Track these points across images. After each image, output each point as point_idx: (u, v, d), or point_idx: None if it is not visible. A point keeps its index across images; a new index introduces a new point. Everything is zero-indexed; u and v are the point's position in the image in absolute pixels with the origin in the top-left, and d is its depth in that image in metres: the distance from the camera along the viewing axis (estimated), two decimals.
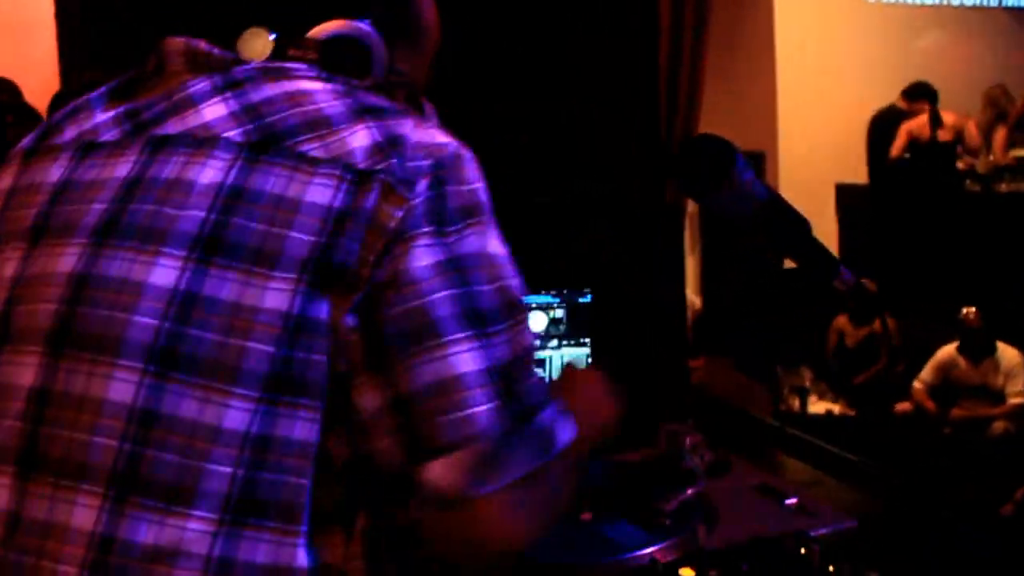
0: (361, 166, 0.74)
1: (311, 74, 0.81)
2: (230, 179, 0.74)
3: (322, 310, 0.70)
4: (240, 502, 0.69)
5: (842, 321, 5.69)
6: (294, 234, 0.71)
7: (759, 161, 5.12)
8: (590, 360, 2.13)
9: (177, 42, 0.85)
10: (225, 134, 0.77)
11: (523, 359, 0.74)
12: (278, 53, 0.84)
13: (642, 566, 1.23)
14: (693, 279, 5.33)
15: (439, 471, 0.69)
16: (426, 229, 0.72)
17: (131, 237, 0.73)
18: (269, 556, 0.69)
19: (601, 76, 3.10)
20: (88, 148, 0.81)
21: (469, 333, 0.71)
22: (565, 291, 2.17)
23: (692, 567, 1.21)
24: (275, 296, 0.70)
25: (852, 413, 5.38)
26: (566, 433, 0.75)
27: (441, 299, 0.71)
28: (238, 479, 0.68)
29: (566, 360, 2.10)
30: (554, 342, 2.13)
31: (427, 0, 0.96)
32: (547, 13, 3.23)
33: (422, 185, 0.73)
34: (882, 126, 6.27)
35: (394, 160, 0.74)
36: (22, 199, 0.80)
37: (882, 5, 5.92)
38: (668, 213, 3.36)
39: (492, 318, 0.73)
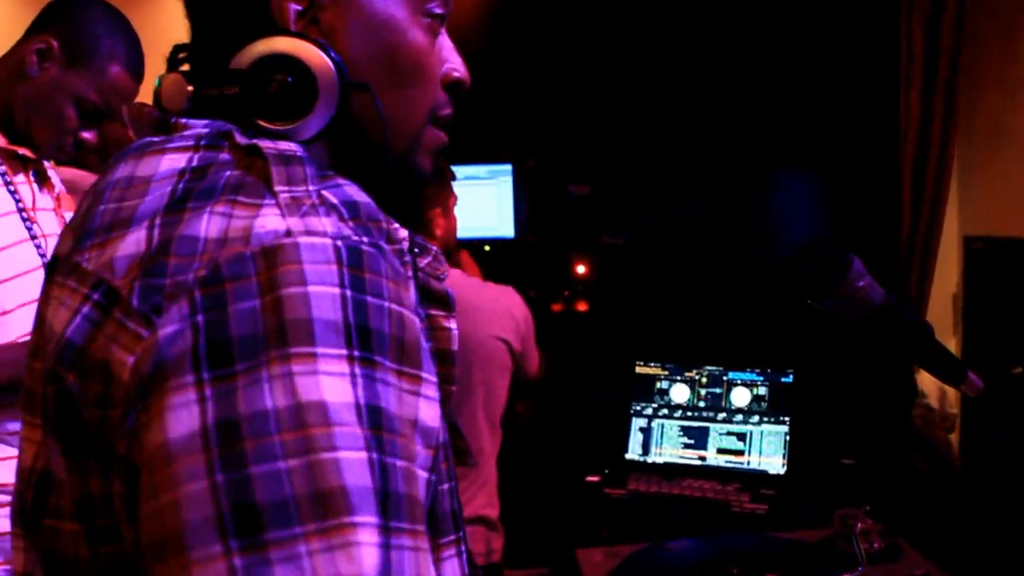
0: (115, 282, 0.54)
1: (185, 144, 0.59)
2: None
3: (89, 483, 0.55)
4: None
5: None
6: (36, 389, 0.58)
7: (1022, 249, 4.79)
8: (788, 438, 2.19)
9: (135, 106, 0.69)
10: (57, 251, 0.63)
11: None
12: (199, 100, 0.64)
13: None
14: None
15: None
16: (178, 380, 0.50)
17: None
18: None
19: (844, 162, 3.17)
20: None
21: (226, 546, 0.47)
22: (768, 370, 2.26)
23: None
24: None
25: None
26: None
27: (194, 493, 0.48)
28: None
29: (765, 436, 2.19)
30: (755, 418, 2.22)
31: (400, 24, 0.69)
32: (789, 98, 3.33)
33: (174, 312, 0.51)
34: None
35: (143, 279, 0.53)
36: None
37: None
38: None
39: (277, 520, 0.48)
